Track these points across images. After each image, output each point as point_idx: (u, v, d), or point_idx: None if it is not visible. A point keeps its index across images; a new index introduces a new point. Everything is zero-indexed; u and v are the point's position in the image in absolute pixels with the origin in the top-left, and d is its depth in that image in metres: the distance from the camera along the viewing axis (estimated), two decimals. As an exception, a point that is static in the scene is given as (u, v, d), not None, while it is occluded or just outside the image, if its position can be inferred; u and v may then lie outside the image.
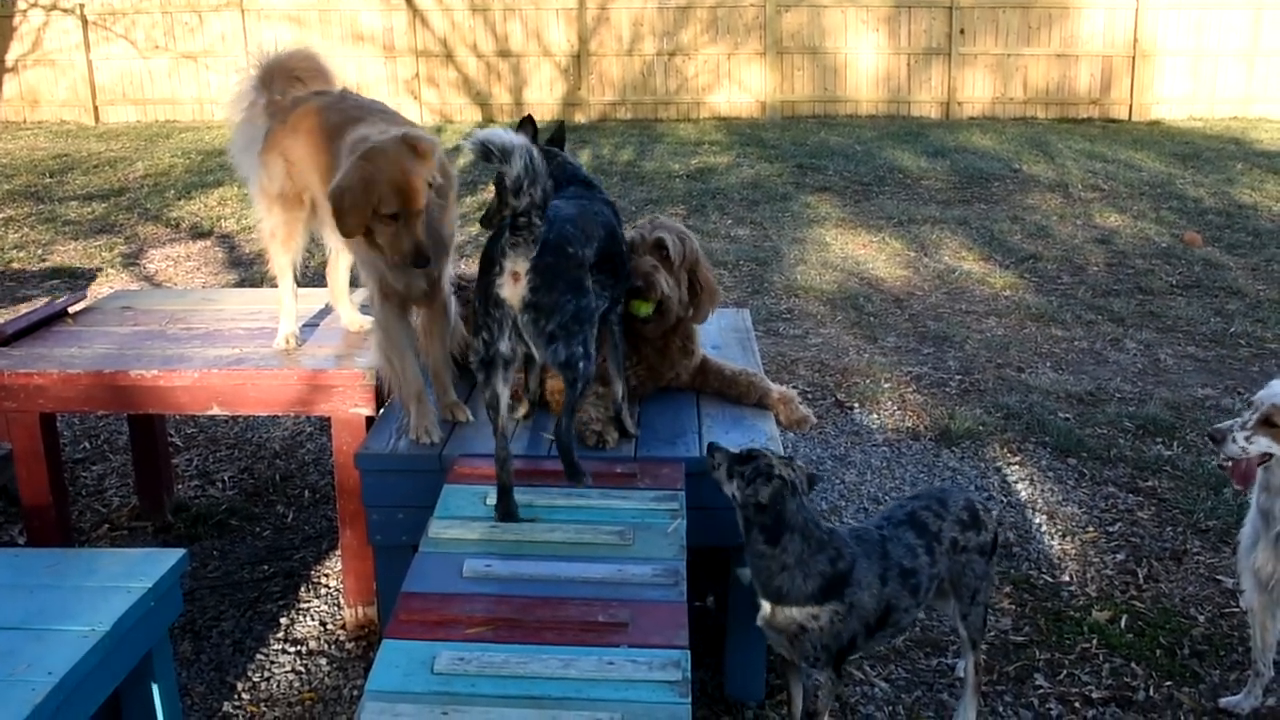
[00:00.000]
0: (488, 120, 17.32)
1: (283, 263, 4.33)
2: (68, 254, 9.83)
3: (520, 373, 3.72)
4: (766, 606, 3.11)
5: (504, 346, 3.13)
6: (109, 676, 2.89)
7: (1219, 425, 3.44)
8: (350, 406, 3.99)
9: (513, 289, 3.05)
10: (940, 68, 17.52)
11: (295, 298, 4.38)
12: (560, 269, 3.10)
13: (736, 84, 17.71)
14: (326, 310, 4.74)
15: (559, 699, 2.42)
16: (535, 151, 2.93)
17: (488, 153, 2.89)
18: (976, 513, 3.40)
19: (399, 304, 3.81)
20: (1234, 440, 3.36)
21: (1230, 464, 3.44)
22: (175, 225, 10.84)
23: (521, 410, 3.82)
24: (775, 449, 3.60)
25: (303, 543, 4.81)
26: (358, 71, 17.45)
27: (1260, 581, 3.47)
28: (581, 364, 3.16)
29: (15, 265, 9.48)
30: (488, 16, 17.79)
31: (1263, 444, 3.34)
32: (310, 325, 4.57)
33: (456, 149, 12.13)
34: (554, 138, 3.84)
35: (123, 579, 3.07)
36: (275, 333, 4.35)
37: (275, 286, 4.44)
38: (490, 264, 3.09)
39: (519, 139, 2.92)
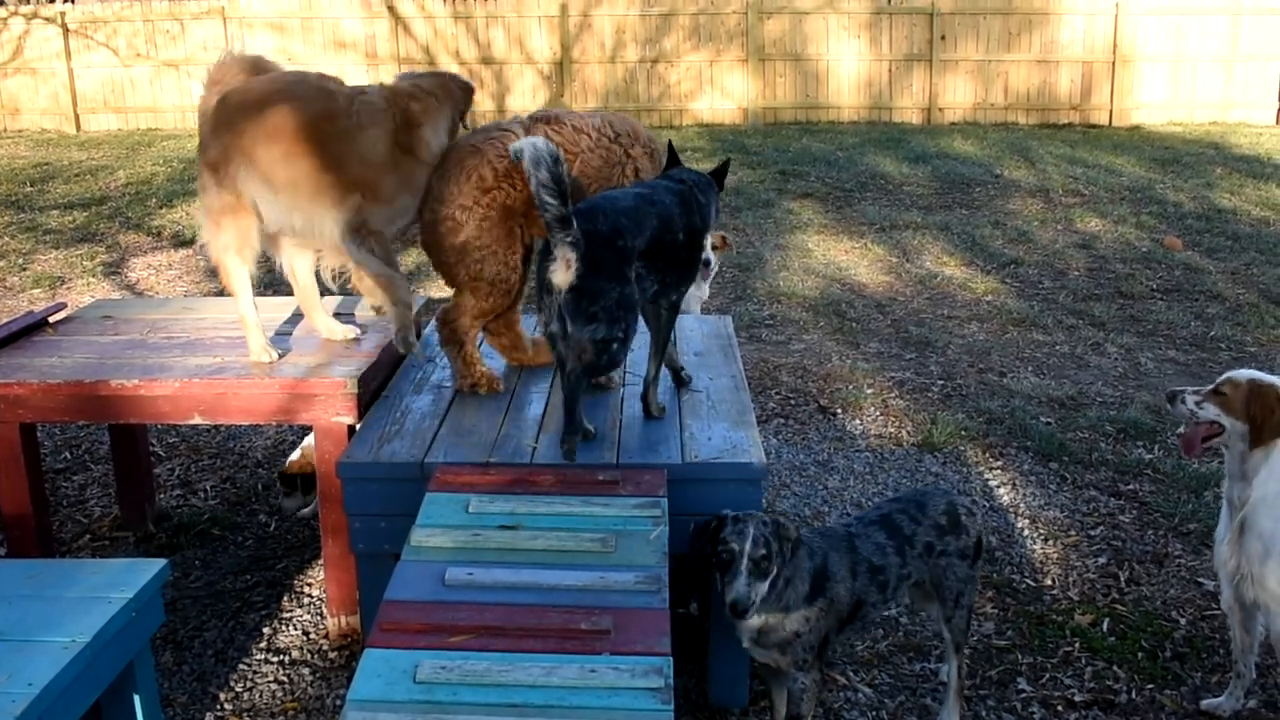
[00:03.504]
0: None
1: (242, 275, 4.18)
2: (48, 263, 9.79)
3: None
4: (754, 623, 3.12)
5: (555, 327, 3.52)
6: (90, 687, 2.88)
7: (1175, 387, 3.59)
8: (332, 415, 3.99)
9: (563, 274, 3.39)
10: (921, 74, 17.60)
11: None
12: (606, 260, 3.44)
13: (719, 90, 17.75)
14: (299, 317, 4.72)
15: (541, 706, 2.42)
16: (540, 142, 3.31)
17: (517, 154, 3.37)
18: (958, 517, 3.42)
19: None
20: (1184, 401, 3.51)
21: (1182, 433, 3.57)
22: (157, 234, 10.81)
23: None
24: (758, 454, 3.61)
25: (285, 552, 4.80)
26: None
27: (1229, 574, 3.50)
28: (615, 345, 3.53)
29: (-5, 274, 9.44)
30: (470, 24, 17.80)
31: (1211, 411, 3.46)
32: (284, 334, 4.55)
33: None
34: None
35: (104, 589, 3.06)
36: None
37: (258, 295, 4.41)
38: (547, 253, 3.45)
39: (530, 138, 3.38)
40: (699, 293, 6.60)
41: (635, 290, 3.57)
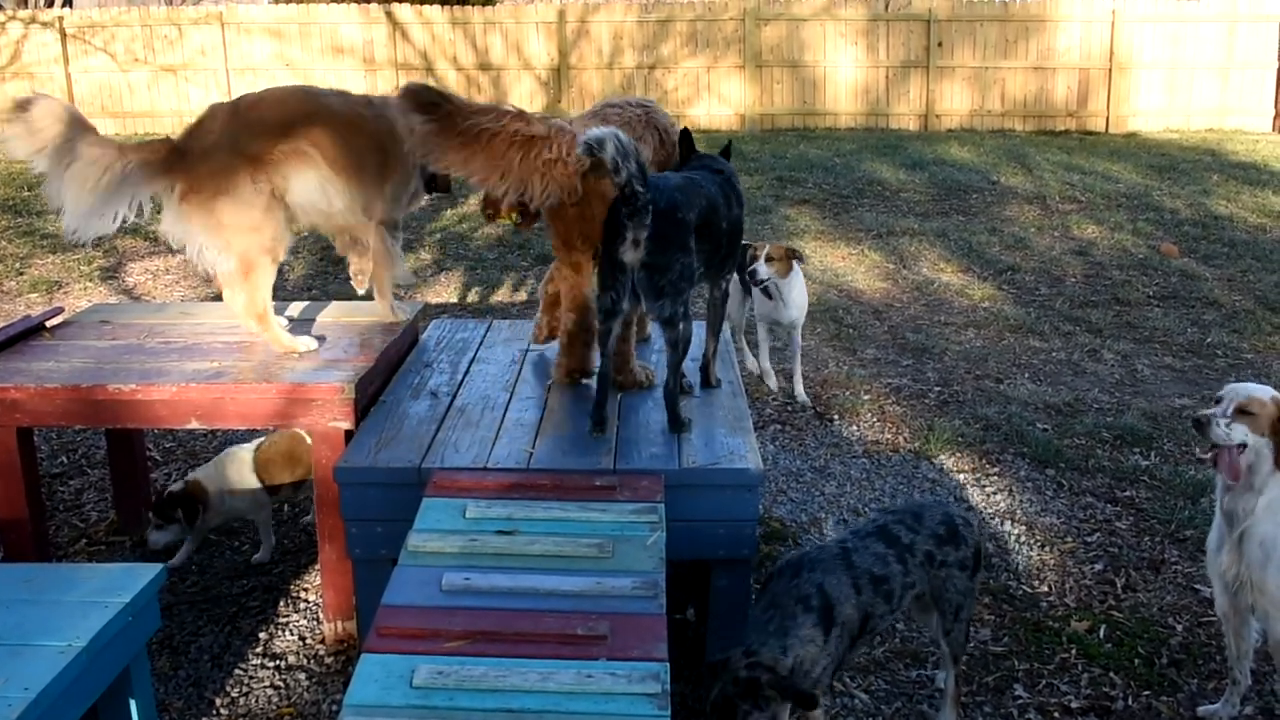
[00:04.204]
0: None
1: (271, 276, 4.35)
2: (46, 267, 9.79)
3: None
4: None
5: (625, 304, 3.75)
6: (86, 692, 2.87)
7: (1201, 412, 3.50)
8: (329, 420, 3.98)
9: (634, 254, 3.63)
10: (919, 80, 17.63)
11: None
12: (671, 233, 3.67)
13: (716, 97, 17.78)
14: (299, 321, 4.74)
15: (538, 712, 2.42)
16: (622, 135, 3.49)
17: (590, 147, 3.47)
18: (956, 528, 3.42)
19: None
20: (1217, 425, 3.42)
21: (1212, 455, 3.47)
22: (154, 238, 10.79)
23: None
24: (755, 460, 3.62)
25: (282, 557, 4.79)
26: (338, 84, 17.38)
27: (1226, 584, 3.50)
28: (681, 324, 3.76)
29: (-8, 279, 9.43)
30: (468, 29, 17.82)
31: (1240, 432, 3.40)
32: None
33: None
34: (723, 150, 4.51)
35: (100, 594, 3.06)
36: (255, 346, 4.38)
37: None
38: (614, 234, 3.65)
39: (607, 129, 3.49)
40: (774, 310, 6.41)
41: (694, 260, 3.79)
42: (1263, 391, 3.44)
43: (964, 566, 3.42)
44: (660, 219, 3.62)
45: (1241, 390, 3.46)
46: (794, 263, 6.32)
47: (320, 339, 4.48)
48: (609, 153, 3.45)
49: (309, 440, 4.57)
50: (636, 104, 4.43)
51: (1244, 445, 3.40)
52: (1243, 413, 3.40)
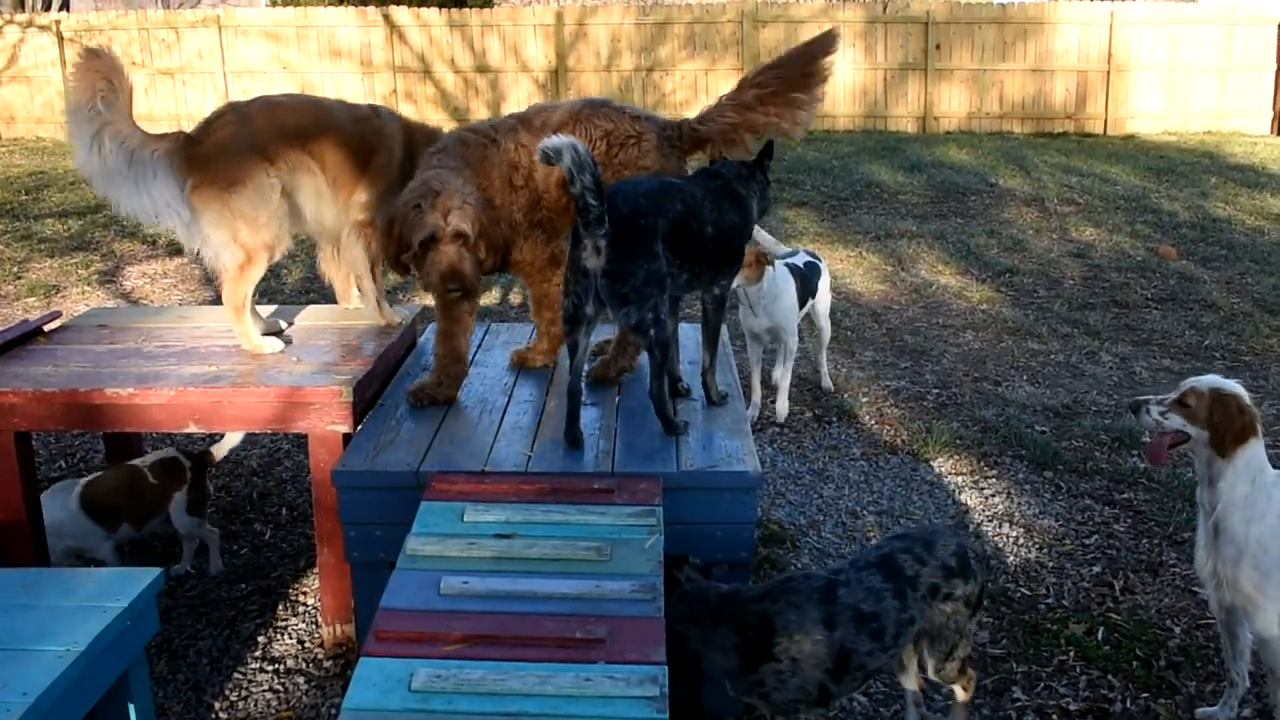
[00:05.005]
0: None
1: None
2: (43, 271, 9.79)
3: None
4: None
5: (589, 309, 3.68)
6: (85, 697, 2.87)
7: (1138, 397, 3.57)
8: (328, 423, 3.98)
9: (595, 260, 3.56)
10: (917, 83, 17.64)
11: None
12: (632, 239, 3.58)
13: (714, 99, 17.75)
14: (298, 325, 4.75)
15: (536, 715, 2.42)
16: (580, 145, 3.38)
17: (547, 156, 3.40)
18: (968, 561, 3.28)
19: None
20: (1148, 412, 3.50)
21: (1148, 442, 3.56)
22: (152, 242, 10.80)
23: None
24: (753, 463, 3.62)
25: (280, 561, 4.79)
26: (335, 87, 17.44)
27: (1208, 578, 3.50)
28: (652, 330, 3.64)
29: (-10, 283, 9.43)
30: (465, 32, 17.83)
31: (1176, 422, 3.46)
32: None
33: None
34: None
35: (98, 598, 3.06)
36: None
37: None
38: (577, 241, 3.61)
39: (565, 139, 3.39)
40: (745, 318, 6.21)
41: (664, 265, 3.66)
42: (1203, 382, 3.47)
43: (968, 603, 3.27)
44: (622, 225, 3.54)
45: (1190, 382, 3.50)
46: (768, 269, 6.00)
47: (319, 343, 4.48)
48: (565, 163, 3.36)
49: (150, 475, 4.58)
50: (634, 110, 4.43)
51: (1187, 435, 3.46)
52: (1181, 403, 3.45)
